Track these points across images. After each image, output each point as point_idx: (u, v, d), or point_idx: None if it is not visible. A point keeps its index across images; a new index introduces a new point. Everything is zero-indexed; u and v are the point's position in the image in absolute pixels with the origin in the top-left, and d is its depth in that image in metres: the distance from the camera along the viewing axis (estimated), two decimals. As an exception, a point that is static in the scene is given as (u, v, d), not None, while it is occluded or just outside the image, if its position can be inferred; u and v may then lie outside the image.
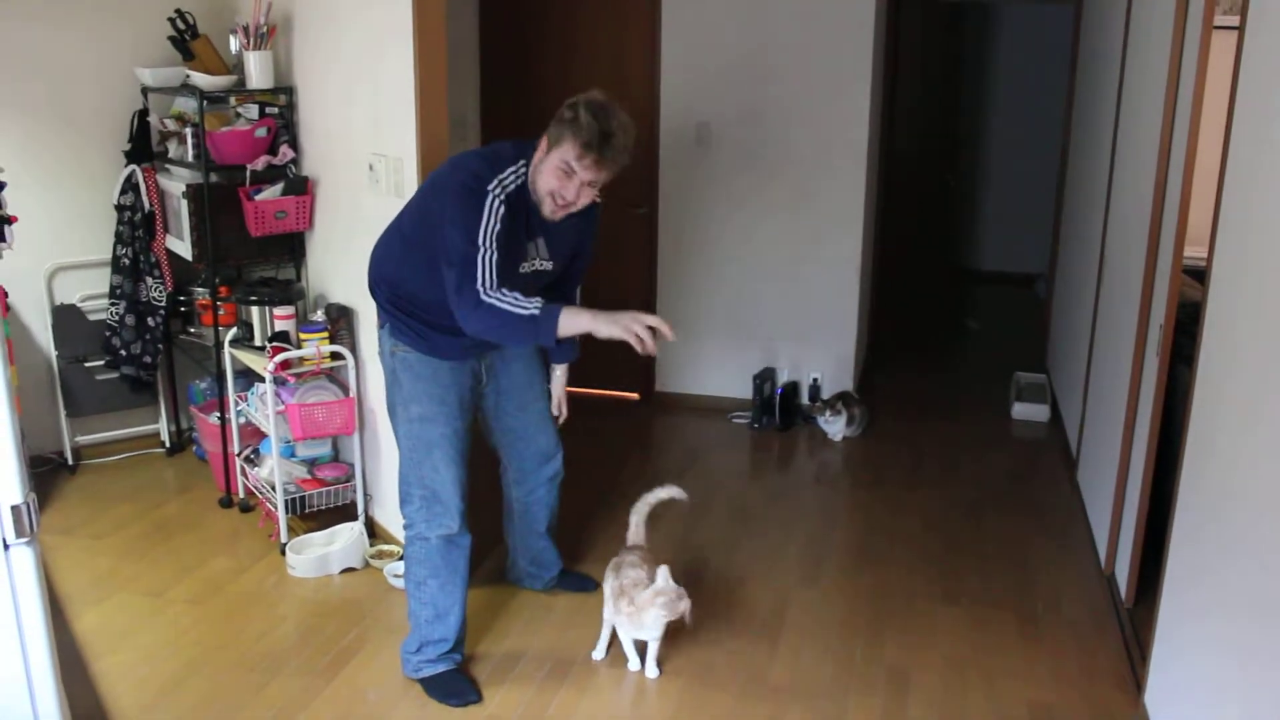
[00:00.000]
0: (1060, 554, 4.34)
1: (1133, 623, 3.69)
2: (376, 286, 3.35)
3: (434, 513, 3.32)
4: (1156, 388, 3.53)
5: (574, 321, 2.99)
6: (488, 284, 2.96)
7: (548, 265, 3.27)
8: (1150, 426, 3.58)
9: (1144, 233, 3.75)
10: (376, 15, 3.78)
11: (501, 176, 3.04)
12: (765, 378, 5.73)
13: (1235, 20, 2.78)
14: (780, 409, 5.70)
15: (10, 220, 2.25)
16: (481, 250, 2.96)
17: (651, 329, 2.96)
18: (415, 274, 3.21)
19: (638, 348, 2.98)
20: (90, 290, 4.93)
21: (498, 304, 2.96)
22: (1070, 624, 3.81)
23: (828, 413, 5.54)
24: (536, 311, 2.96)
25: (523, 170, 3.10)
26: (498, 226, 2.99)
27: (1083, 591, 4.04)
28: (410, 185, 3.72)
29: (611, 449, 5.40)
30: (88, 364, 4.92)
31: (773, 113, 5.61)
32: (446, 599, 3.37)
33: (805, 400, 5.86)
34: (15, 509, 2.04)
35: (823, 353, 5.85)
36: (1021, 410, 5.95)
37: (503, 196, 3.02)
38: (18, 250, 4.60)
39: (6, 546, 2.07)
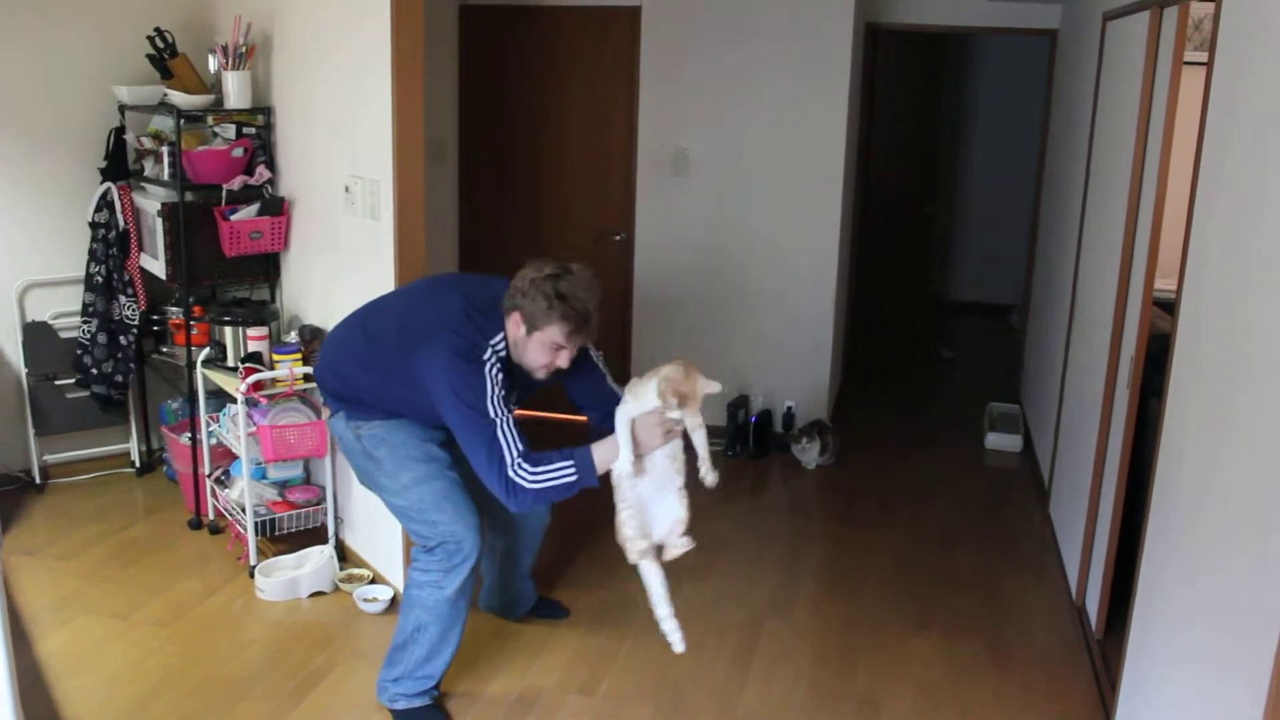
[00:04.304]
0: (1032, 584, 4.35)
1: (1103, 653, 3.70)
2: (328, 379, 3.35)
3: (454, 563, 3.24)
4: (1127, 420, 3.55)
5: (609, 455, 3.02)
6: (515, 458, 2.96)
7: (515, 406, 3.29)
8: (1121, 459, 3.60)
9: (1115, 265, 3.78)
10: (355, 38, 3.78)
11: (493, 343, 3.05)
12: (739, 406, 5.73)
13: (1204, 56, 2.81)
14: (754, 437, 5.70)
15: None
16: (498, 421, 2.97)
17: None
18: (373, 385, 3.24)
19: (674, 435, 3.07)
20: (62, 308, 4.89)
21: (535, 486, 2.97)
22: (1041, 654, 3.82)
23: (803, 441, 5.54)
24: (573, 476, 2.99)
25: (505, 339, 3.10)
26: (501, 391, 3.00)
27: (1053, 622, 4.05)
28: (386, 208, 3.71)
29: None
30: (58, 382, 4.87)
31: (750, 141, 5.64)
32: (443, 644, 3.32)
33: (779, 429, 5.87)
34: (-23, 528, 2.02)
35: (797, 381, 5.86)
36: (994, 440, 5.97)
37: (497, 363, 3.03)
38: (-11, 266, 4.61)
39: (-33, 566, 2.04)
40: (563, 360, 3.09)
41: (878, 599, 4.20)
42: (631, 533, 3.08)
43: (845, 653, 3.80)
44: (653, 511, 3.10)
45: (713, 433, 5.69)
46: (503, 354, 3.07)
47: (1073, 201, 5.04)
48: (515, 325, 3.05)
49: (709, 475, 3.03)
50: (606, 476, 3.06)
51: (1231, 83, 2.57)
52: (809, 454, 5.56)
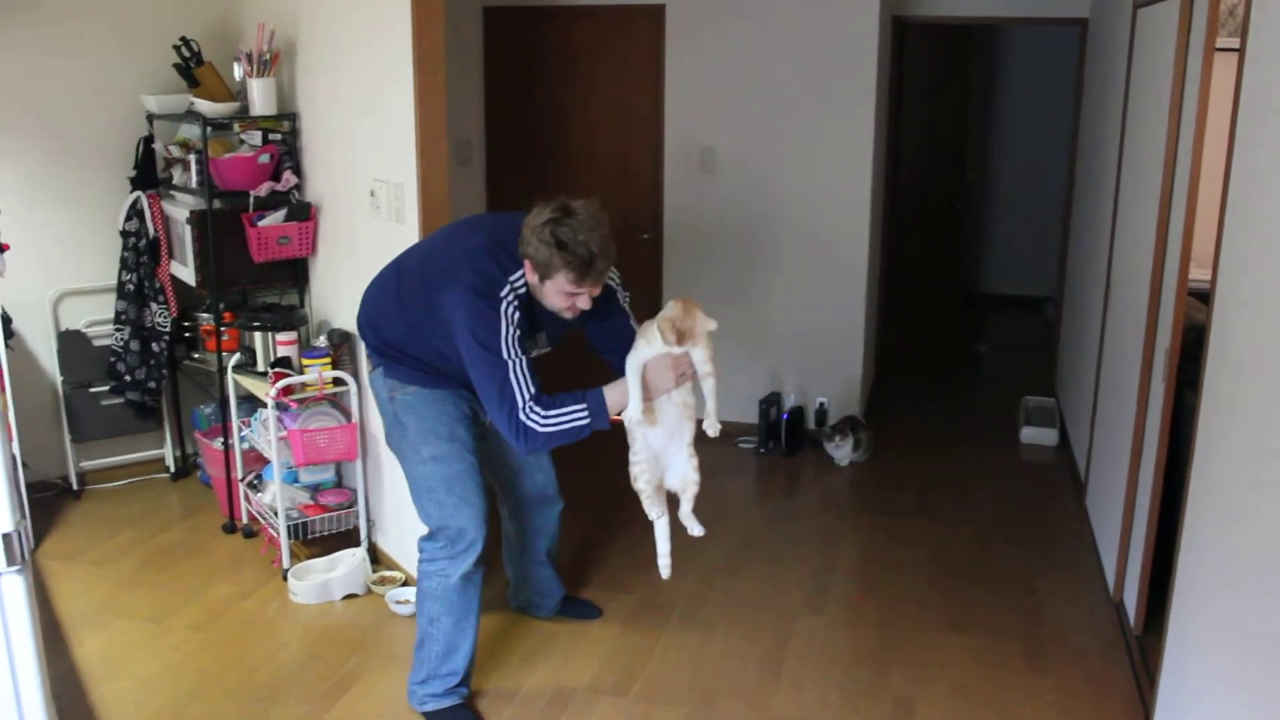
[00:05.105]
0: (1068, 581, 4.30)
1: (1142, 650, 3.64)
2: (366, 331, 3.34)
3: (457, 550, 3.26)
4: (1163, 413, 3.50)
5: (620, 397, 3.01)
6: (527, 400, 2.93)
7: (547, 349, 3.28)
8: (1157, 452, 3.55)
9: (1149, 255, 3.73)
10: (377, 43, 3.79)
11: (513, 280, 3.00)
12: (771, 402, 5.71)
13: (1236, 43, 2.76)
14: (786, 434, 5.67)
15: (2, 249, 2.23)
16: (510, 363, 2.93)
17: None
18: (409, 334, 3.21)
19: (686, 379, 3.05)
20: (96, 316, 4.94)
21: (546, 429, 2.94)
22: (1078, 652, 3.77)
23: (835, 438, 5.51)
24: (585, 419, 2.96)
25: (524, 276, 3.05)
26: (517, 332, 2.96)
27: (1091, 619, 3.99)
28: (411, 211, 3.72)
29: (615, 474, 5.36)
30: (93, 389, 4.92)
31: (777, 136, 5.61)
32: (459, 635, 3.33)
33: (811, 425, 5.84)
34: (6, 537, 2.03)
35: (829, 377, 5.83)
36: (1030, 434, 5.90)
37: (515, 301, 2.99)
38: (24, 276, 4.68)
39: (-3, 574, 2.05)
40: (583, 302, 3.03)
41: (912, 597, 4.16)
42: (644, 486, 3.12)
43: (879, 652, 3.77)
44: (665, 462, 3.15)
45: (745, 430, 5.74)
46: (522, 291, 3.01)
47: (1105, 191, 4.98)
48: (530, 272, 3.00)
49: (711, 426, 3.06)
50: (620, 430, 3.07)
51: (1264, 69, 2.52)
52: (842, 451, 5.53)
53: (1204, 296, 3.31)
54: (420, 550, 3.32)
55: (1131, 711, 3.40)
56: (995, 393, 6.80)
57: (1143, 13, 4.28)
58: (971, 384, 7.25)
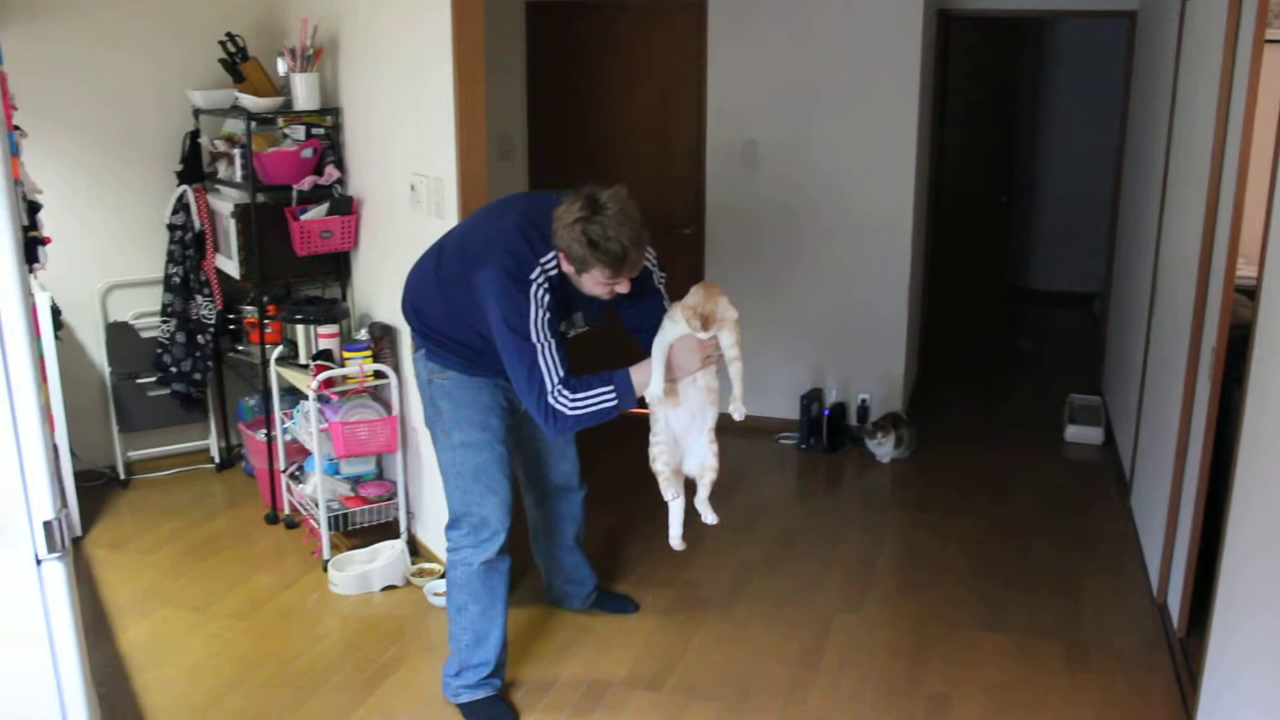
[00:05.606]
0: (1111, 581, 4.24)
1: (1185, 652, 3.59)
2: (409, 314, 3.35)
3: (480, 538, 3.29)
4: (1208, 412, 3.44)
5: (647, 378, 3.01)
6: (555, 384, 2.93)
7: (585, 329, 3.27)
8: (1203, 451, 3.49)
9: (1196, 251, 3.67)
10: (418, 38, 3.81)
11: (544, 262, 2.98)
12: (813, 398, 5.68)
13: (1285, 34, 2.71)
14: (828, 430, 5.64)
15: (44, 241, 2.27)
16: (539, 346, 2.93)
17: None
18: (448, 316, 3.22)
19: (712, 361, 3.06)
20: (143, 308, 5.02)
21: (574, 412, 2.95)
22: (1119, 653, 3.71)
23: (877, 435, 5.47)
24: (613, 401, 2.97)
25: (556, 258, 3.02)
26: (547, 315, 2.96)
27: (1134, 620, 3.94)
28: (450, 206, 3.74)
29: (643, 468, 5.35)
30: (140, 380, 4.99)
31: (820, 130, 5.58)
32: (487, 624, 3.36)
33: (853, 421, 5.80)
34: (47, 524, 2.06)
35: (871, 373, 5.79)
36: (1075, 433, 5.83)
37: (545, 284, 2.98)
38: (73, 269, 4.76)
39: (39, 562, 2.09)
40: (621, 287, 3.02)
41: (951, 595, 4.13)
42: (663, 468, 3.12)
43: (916, 651, 3.74)
44: (685, 446, 3.15)
45: (786, 425, 5.72)
46: (553, 274, 3.00)
47: (1153, 186, 4.90)
48: (565, 263, 2.99)
49: (738, 410, 3.06)
50: (646, 419, 3.08)
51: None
52: (884, 447, 5.49)
53: (1251, 293, 3.25)
54: (447, 540, 3.35)
55: (1173, 714, 3.35)
56: (1040, 390, 6.71)
57: (1191, 5, 4.21)
58: (1016, 381, 7.17)
